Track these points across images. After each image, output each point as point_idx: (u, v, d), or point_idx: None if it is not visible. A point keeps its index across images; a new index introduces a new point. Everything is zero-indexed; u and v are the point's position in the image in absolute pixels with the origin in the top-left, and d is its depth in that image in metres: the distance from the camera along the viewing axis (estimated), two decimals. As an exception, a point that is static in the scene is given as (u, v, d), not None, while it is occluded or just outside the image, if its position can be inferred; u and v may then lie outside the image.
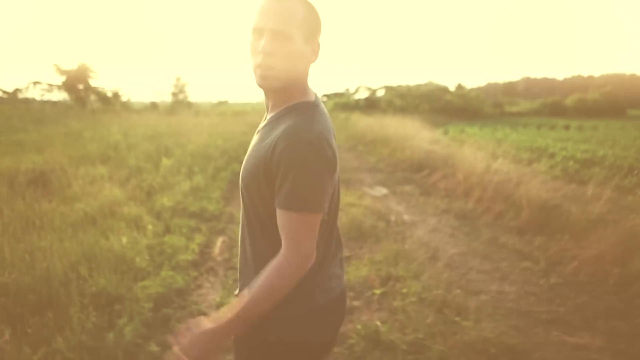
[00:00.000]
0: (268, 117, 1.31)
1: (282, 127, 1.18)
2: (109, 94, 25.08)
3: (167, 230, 4.70)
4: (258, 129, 1.33)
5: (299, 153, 1.12)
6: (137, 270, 3.57)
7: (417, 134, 13.50)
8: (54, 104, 30.03)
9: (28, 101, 39.87)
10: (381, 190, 7.75)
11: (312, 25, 1.22)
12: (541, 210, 5.35)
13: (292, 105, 1.25)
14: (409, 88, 36.82)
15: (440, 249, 4.58)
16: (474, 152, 9.47)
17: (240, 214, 1.35)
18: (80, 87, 24.35)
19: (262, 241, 1.27)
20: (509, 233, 5.26)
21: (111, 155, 8.54)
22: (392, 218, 5.69)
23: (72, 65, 24.28)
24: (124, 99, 28.38)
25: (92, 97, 24.44)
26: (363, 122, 19.13)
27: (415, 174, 9.17)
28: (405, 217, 5.85)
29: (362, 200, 6.57)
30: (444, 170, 8.56)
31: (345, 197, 6.50)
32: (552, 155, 9.82)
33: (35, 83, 35.00)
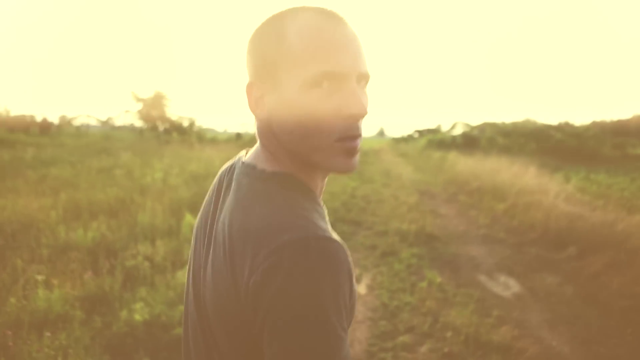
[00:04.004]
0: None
1: None
2: (185, 124, 24.07)
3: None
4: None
5: None
6: None
7: (541, 184, 10.31)
8: (140, 132, 29.83)
9: (119, 129, 41.02)
10: (509, 285, 4.84)
11: None
12: None
13: None
14: (513, 125, 32.78)
15: None
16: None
17: None
18: (155, 115, 23.53)
19: None
20: None
21: (129, 202, 6.39)
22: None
23: (148, 93, 23.62)
24: (204, 128, 27.43)
25: (166, 126, 23.48)
26: (463, 164, 16.06)
27: (555, 252, 6.11)
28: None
29: (483, 309, 3.73)
30: (606, 252, 5.47)
31: (454, 311, 3.70)
32: None
33: (127, 112, 35.56)
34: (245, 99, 0.75)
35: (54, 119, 42.69)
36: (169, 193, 7.21)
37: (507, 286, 4.81)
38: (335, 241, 0.62)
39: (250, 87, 0.74)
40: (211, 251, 0.70)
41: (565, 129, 34.42)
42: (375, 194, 10.54)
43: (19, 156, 12.01)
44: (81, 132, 32.92)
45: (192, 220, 5.43)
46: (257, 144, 0.78)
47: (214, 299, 0.67)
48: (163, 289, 3.60)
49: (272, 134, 0.73)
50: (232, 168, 0.80)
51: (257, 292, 0.58)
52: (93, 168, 9.55)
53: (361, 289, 4.42)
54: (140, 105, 24.53)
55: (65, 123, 45.34)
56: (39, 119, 36.98)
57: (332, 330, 0.56)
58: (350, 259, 0.63)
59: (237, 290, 0.62)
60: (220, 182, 0.81)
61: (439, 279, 4.66)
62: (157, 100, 23.23)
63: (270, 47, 0.70)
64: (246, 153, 0.81)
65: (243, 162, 0.76)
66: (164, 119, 23.55)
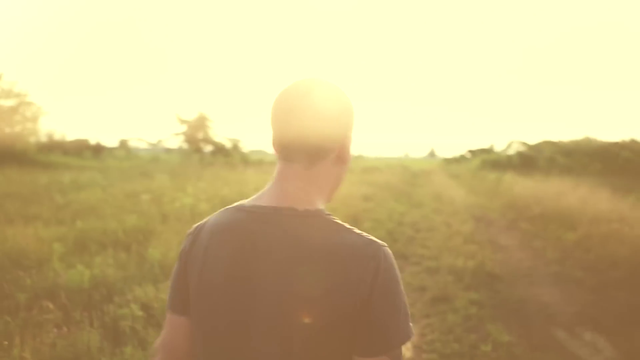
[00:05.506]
0: None
1: None
2: (228, 145, 23.85)
3: None
4: None
5: None
6: None
7: (616, 210, 9.01)
8: (186, 154, 29.94)
9: (170, 152, 41.70)
10: (598, 347, 3.79)
11: None
12: None
13: None
14: (574, 143, 30.71)
15: None
16: None
17: None
18: (200, 137, 23.47)
19: None
20: None
21: (147, 232, 5.76)
22: None
23: (192, 115, 23.62)
24: (252, 150, 27.19)
25: (210, 148, 23.34)
26: (521, 186, 14.76)
27: (650, 297, 4.95)
28: None
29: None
30: None
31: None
32: None
33: (175, 134, 36.05)
34: (344, 149, 0.97)
35: (114, 143, 44.15)
36: (195, 221, 6.57)
37: (595, 348, 3.76)
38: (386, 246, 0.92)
39: (349, 142, 0.99)
40: (288, 281, 0.84)
41: (632, 147, 31.93)
42: (425, 221, 9.54)
43: (57, 179, 11.83)
44: (131, 154, 33.54)
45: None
46: (280, 189, 0.92)
47: (314, 308, 0.83)
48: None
49: (331, 180, 0.97)
50: (239, 221, 0.90)
51: (372, 280, 0.84)
52: (122, 192, 9.11)
53: (405, 349, 3.51)
54: (184, 128, 24.57)
55: (122, 146, 46.69)
56: (94, 142, 38.20)
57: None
58: None
59: (348, 288, 0.83)
60: (237, 235, 0.89)
61: (506, 338, 3.67)
62: (200, 122, 23.20)
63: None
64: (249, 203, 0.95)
65: (275, 208, 0.89)
66: (207, 140, 23.46)
